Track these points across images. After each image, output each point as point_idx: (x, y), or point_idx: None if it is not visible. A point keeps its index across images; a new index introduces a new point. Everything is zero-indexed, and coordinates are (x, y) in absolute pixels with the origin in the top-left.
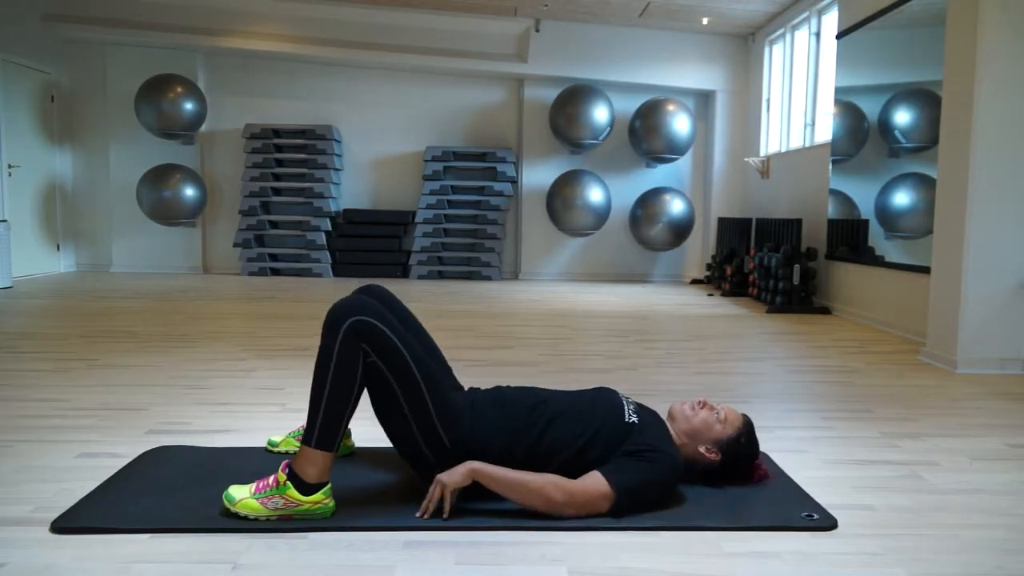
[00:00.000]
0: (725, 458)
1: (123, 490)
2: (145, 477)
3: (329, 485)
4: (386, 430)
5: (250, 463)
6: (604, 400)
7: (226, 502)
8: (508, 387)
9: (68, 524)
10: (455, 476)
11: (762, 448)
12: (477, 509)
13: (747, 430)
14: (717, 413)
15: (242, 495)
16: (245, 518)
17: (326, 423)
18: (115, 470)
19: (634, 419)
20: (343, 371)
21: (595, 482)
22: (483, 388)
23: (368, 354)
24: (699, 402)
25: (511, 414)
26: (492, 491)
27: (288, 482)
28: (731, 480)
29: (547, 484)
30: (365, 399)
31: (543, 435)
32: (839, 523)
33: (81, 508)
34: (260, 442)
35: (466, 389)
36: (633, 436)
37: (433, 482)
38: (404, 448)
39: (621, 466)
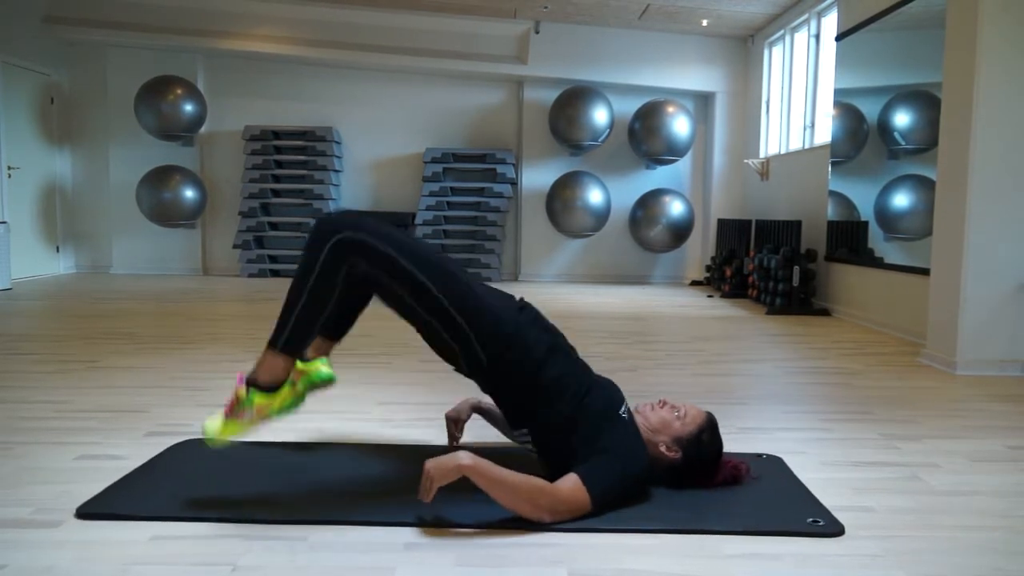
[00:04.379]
0: (687, 455)
1: (148, 481)
2: (170, 469)
3: (290, 378)
4: (415, 328)
5: (273, 457)
6: (612, 389)
7: (207, 439)
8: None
9: (93, 510)
10: (443, 471)
11: (762, 449)
12: (477, 510)
13: (709, 426)
14: (677, 411)
15: (217, 424)
16: (275, 509)
17: (296, 327)
18: (115, 471)
19: (625, 416)
20: (323, 280)
21: (576, 489)
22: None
23: (355, 264)
24: (659, 402)
25: (551, 341)
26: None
27: (250, 391)
28: (697, 479)
29: (534, 489)
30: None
31: (561, 382)
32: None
33: (106, 496)
34: (269, 439)
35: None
36: (618, 431)
37: (423, 473)
38: (435, 347)
39: (593, 468)
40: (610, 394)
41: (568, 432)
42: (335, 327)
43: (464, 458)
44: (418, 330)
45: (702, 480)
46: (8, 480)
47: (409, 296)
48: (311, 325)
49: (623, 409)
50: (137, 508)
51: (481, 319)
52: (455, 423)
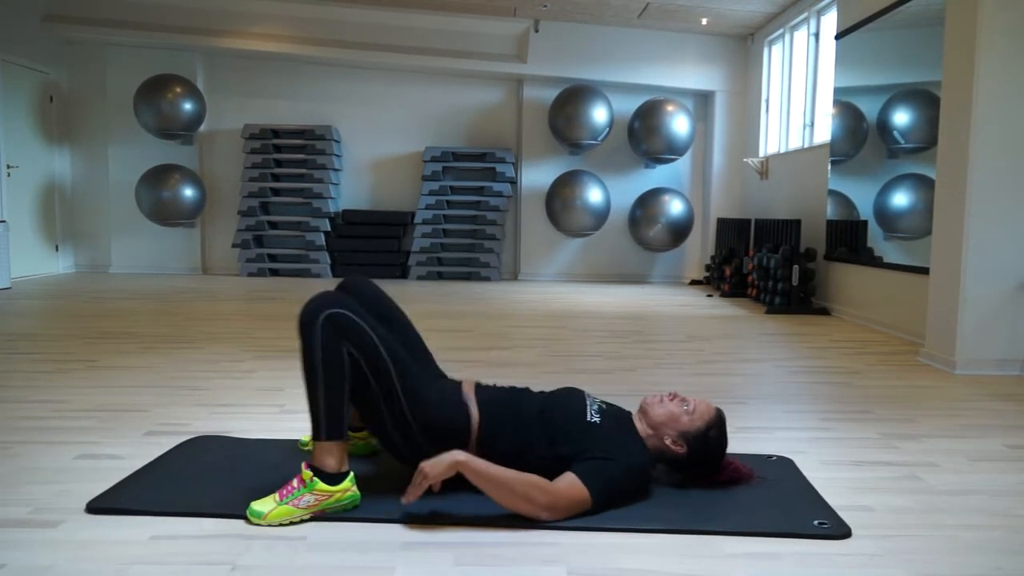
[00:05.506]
0: (692, 451)
1: (159, 476)
2: (181, 465)
3: (352, 473)
4: (362, 416)
5: (281, 455)
6: (567, 400)
7: (254, 519)
8: (495, 386)
9: (103, 505)
10: (439, 467)
11: (762, 449)
12: (476, 509)
13: (717, 423)
14: (687, 405)
15: (269, 507)
16: (280, 526)
17: (330, 414)
18: (115, 471)
19: (596, 419)
20: (331, 362)
21: (573, 485)
22: (481, 384)
23: (351, 352)
24: (669, 395)
25: (499, 412)
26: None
27: (315, 478)
28: (700, 476)
29: (530, 486)
30: None
31: (518, 433)
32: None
33: (117, 491)
34: (270, 438)
35: (458, 380)
36: (593, 435)
37: (417, 470)
38: (379, 434)
39: (590, 467)
40: (570, 408)
41: (548, 459)
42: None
43: (459, 455)
44: (370, 421)
45: (705, 475)
46: (7, 479)
47: (376, 389)
48: (342, 404)
49: (590, 415)
50: (146, 504)
51: (434, 428)
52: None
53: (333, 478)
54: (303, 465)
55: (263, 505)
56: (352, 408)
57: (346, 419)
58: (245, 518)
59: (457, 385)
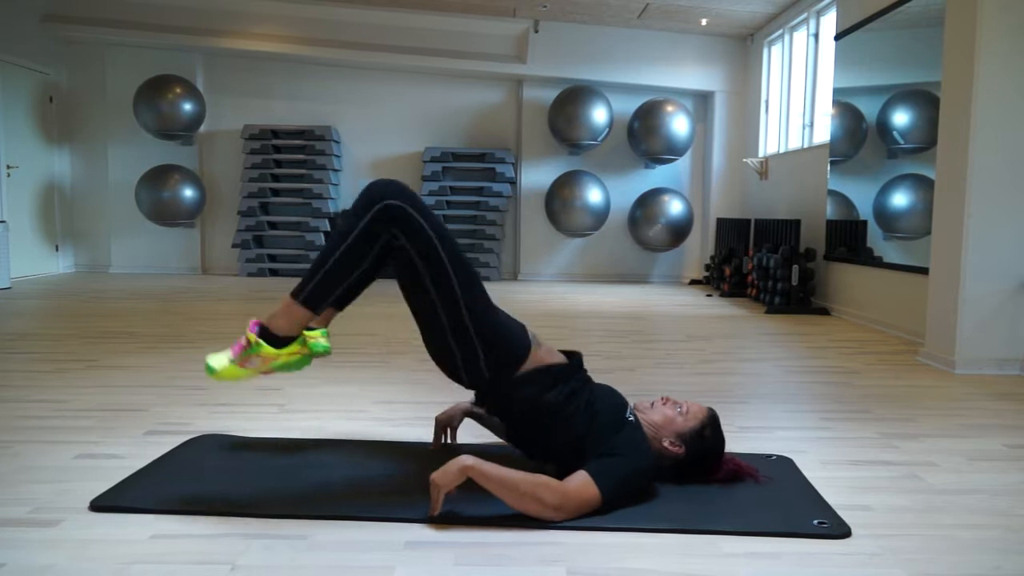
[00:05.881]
0: (689, 451)
1: (160, 476)
2: (182, 465)
3: (302, 336)
4: (419, 323)
5: (282, 454)
6: (611, 393)
7: (208, 374)
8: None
9: (106, 503)
10: (449, 476)
11: (762, 448)
12: (476, 509)
13: (711, 422)
14: (679, 407)
15: (222, 363)
16: (278, 514)
17: (322, 282)
18: (115, 471)
19: (632, 418)
20: (362, 241)
21: (584, 485)
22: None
23: (396, 236)
24: (661, 399)
25: (555, 365)
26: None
27: (259, 340)
28: (700, 475)
29: (539, 486)
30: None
31: (568, 403)
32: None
33: (120, 490)
34: (270, 437)
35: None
36: (624, 434)
37: (430, 483)
38: (434, 350)
39: (605, 467)
40: (615, 402)
41: (578, 444)
42: (343, 297)
43: (467, 459)
44: (423, 327)
45: (705, 474)
46: (7, 479)
47: (432, 287)
48: (336, 284)
49: (628, 413)
50: (147, 503)
51: (496, 339)
52: (446, 427)
53: (281, 341)
54: (250, 325)
55: (217, 360)
56: (333, 309)
57: (330, 299)
58: (250, 516)
59: (521, 324)
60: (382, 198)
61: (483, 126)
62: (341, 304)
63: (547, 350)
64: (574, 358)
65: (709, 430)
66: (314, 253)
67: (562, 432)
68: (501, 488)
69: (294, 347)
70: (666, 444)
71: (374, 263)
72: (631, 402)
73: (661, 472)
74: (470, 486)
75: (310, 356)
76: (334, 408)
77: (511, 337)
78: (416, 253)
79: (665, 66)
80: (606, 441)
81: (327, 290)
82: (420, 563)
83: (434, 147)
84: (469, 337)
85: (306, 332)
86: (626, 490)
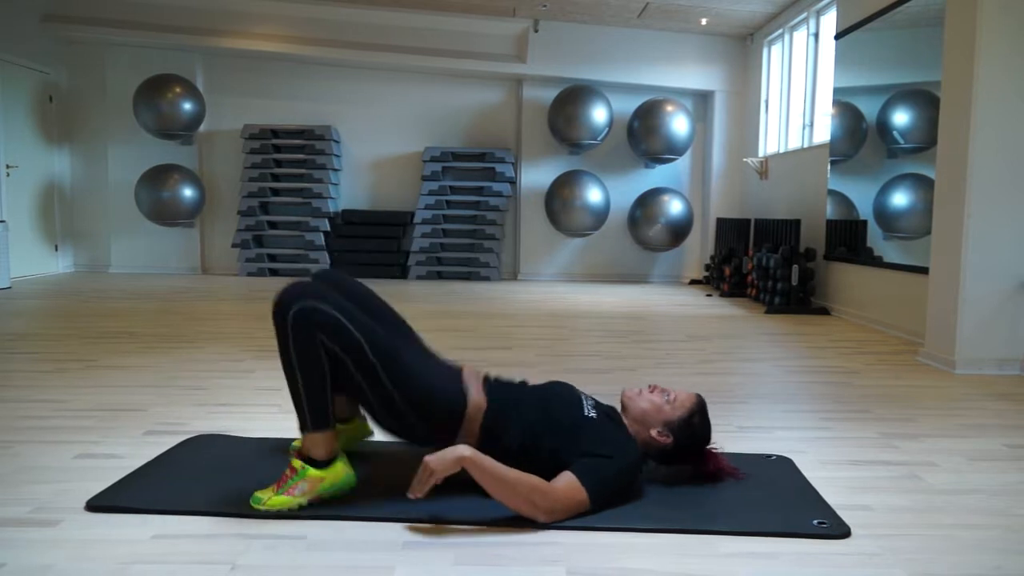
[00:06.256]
0: (678, 440)
1: (159, 475)
2: (182, 464)
3: (344, 454)
4: (354, 402)
5: (281, 454)
6: (563, 393)
7: (255, 505)
8: (500, 379)
9: (103, 503)
10: (445, 463)
11: (762, 448)
12: (477, 510)
13: (699, 409)
14: (667, 395)
15: (268, 495)
16: (279, 514)
17: (312, 406)
18: (114, 470)
19: (592, 414)
20: (306, 355)
21: (571, 487)
22: (489, 377)
23: (323, 340)
24: (649, 387)
25: (507, 406)
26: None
27: (305, 465)
28: (688, 463)
29: (533, 489)
30: None
31: (524, 427)
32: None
33: (117, 489)
34: (272, 437)
35: (460, 366)
36: (591, 431)
37: (422, 465)
38: (373, 417)
39: (588, 467)
40: (568, 402)
41: (553, 455)
42: (342, 390)
43: (465, 450)
44: (364, 406)
45: (692, 465)
46: (7, 479)
47: (355, 370)
48: (322, 394)
49: (587, 409)
50: (146, 503)
51: (427, 404)
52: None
53: (323, 464)
54: (292, 454)
55: (264, 493)
56: (336, 397)
57: (330, 408)
58: (245, 516)
59: (457, 370)
60: (288, 308)
61: (483, 126)
62: (347, 393)
63: (477, 390)
64: (487, 386)
65: (698, 418)
66: (314, 253)
67: (525, 455)
68: (494, 483)
69: (338, 465)
70: (654, 434)
71: (335, 364)
72: (620, 390)
73: (647, 465)
74: (470, 487)
75: (355, 475)
76: None
77: (443, 397)
78: (339, 348)
79: (665, 66)
80: (578, 444)
81: (321, 406)
82: (420, 563)
83: (434, 147)
84: (400, 412)
85: (343, 426)
86: (613, 489)
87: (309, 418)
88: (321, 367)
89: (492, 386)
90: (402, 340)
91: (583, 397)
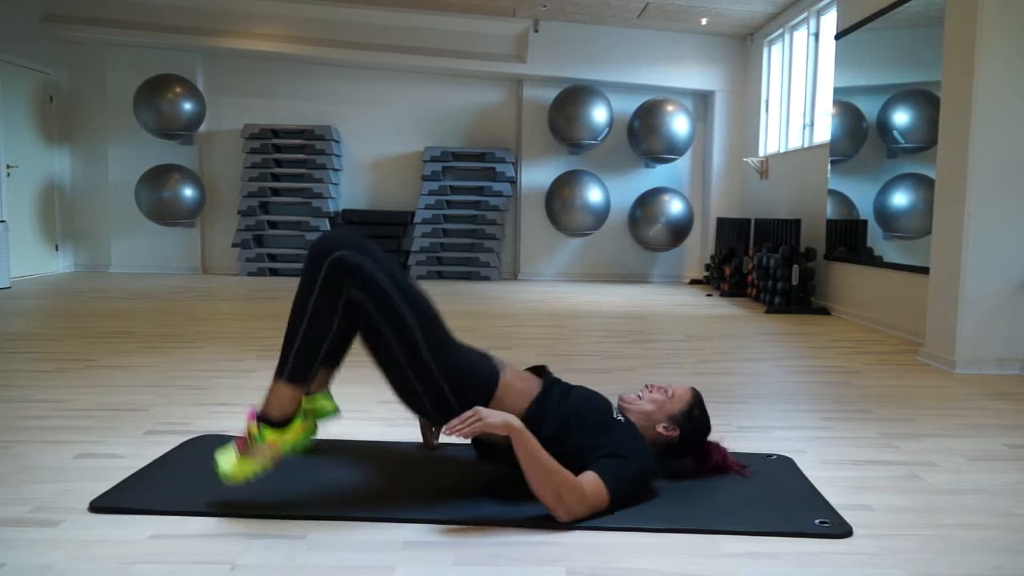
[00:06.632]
0: (683, 432)
1: (160, 476)
2: (183, 465)
3: (303, 411)
4: (382, 370)
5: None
6: (594, 395)
7: (221, 477)
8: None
9: (106, 504)
10: (494, 419)
11: (762, 448)
12: (476, 510)
13: (696, 402)
14: (665, 391)
15: (230, 461)
16: (279, 514)
17: (300, 357)
18: (115, 470)
19: (620, 418)
20: (323, 309)
21: (596, 488)
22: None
23: (351, 290)
24: (646, 387)
25: (551, 394)
26: (504, 461)
27: (261, 427)
28: (692, 453)
29: (566, 486)
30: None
31: (561, 419)
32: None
33: (120, 490)
34: None
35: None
36: (618, 434)
37: (472, 409)
38: (400, 392)
39: (612, 467)
40: (598, 405)
41: (575, 453)
42: (330, 357)
43: (516, 422)
44: (385, 370)
45: (697, 457)
46: (7, 479)
47: (390, 334)
48: (315, 351)
49: (615, 413)
50: (147, 503)
51: (461, 374)
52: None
53: (281, 423)
54: (247, 415)
55: (225, 461)
56: (326, 370)
57: (314, 369)
58: (246, 516)
59: (484, 352)
60: (330, 252)
61: (483, 126)
62: (331, 363)
63: (514, 373)
64: (544, 376)
65: (697, 410)
66: None
67: (555, 446)
68: (532, 463)
69: (297, 424)
70: (660, 430)
71: (344, 321)
72: (616, 398)
73: (658, 460)
74: (470, 487)
75: (315, 427)
76: None
77: (477, 370)
78: (373, 305)
79: (665, 66)
80: (603, 443)
81: (307, 361)
82: (420, 563)
83: (434, 147)
84: (432, 375)
85: (305, 401)
86: (631, 491)
87: (290, 366)
88: (330, 325)
89: (548, 378)
90: (437, 314)
91: (612, 404)
